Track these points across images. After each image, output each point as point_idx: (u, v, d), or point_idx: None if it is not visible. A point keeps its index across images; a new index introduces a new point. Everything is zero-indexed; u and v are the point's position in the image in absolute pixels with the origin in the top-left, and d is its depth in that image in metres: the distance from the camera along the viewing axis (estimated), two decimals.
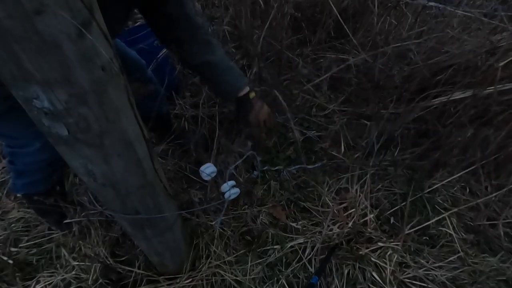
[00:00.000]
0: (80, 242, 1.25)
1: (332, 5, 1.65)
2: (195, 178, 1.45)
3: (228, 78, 1.17)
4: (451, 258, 1.32)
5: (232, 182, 1.19)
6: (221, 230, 1.30)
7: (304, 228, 1.35)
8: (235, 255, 1.26)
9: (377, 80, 1.70)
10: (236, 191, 1.17)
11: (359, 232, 1.33)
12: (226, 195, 1.17)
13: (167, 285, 1.16)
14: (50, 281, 1.18)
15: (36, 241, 1.33)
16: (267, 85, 1.76)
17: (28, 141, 0.99)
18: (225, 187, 1.17)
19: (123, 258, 1.24)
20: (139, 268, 1.20)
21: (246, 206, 1.38)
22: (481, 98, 1.45)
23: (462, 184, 1.59)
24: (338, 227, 1.34)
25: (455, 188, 1.56)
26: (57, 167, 1.18)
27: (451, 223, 1.42)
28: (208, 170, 1.17)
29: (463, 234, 1.41)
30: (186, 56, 1.13)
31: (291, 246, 1.29)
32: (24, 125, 0.90)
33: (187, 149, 1.51)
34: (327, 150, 1.60)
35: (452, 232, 1.39)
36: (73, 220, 1.19)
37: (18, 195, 1.45)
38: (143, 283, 1.18)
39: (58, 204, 1.12)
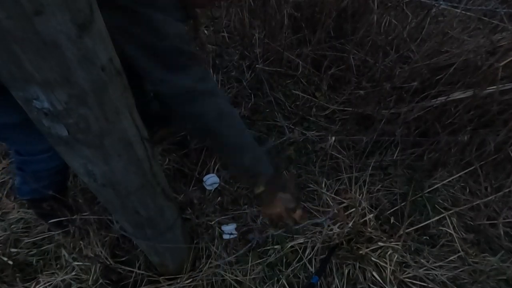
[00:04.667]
0: (81, 242, 1.25)
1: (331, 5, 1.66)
2: (194, 173, 1.45)
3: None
4: (451, 258, 1.32)
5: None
6: (220, 230, 1.30)
7: (304, 228, 1.35)
8: (235, 255, 1.26)
9: (377, 80, 1.70)
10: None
11: (359, 232, 1.33)
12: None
13: (168, 285, 1.16)
14: (50, 282, 1.18)
15: (36, 241, 1.32)
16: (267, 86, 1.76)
17: (40, 150, 1.00)
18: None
19: (123, 259, 1.24)
20: (139, 269, 1.20)
21: (246, 206, 1.38)
22: (481, 98, 1.45)
23: (462, 184, 1.59)
24: (338, 227, 1.33)
25: (455, 188, 1.56)
26: (65, 174, 1.18)
27: (451, 223, 1.42)
28: (210, 180, 1.21)
29: (463, 234, 1.41)
30: None
31: (291, 246, 1.29)
32: (38, 136, 0.89)
33: (187, 148, 1.51)
34: (327, 150, 1.59)
35: (452, 232, 1.39)
36: (73, 222, 1.19)
37: (20, 197, 1.45)
38: (143, 283, 1.18)
39: (60, 208, 1.12)
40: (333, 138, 1.54)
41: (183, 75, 0.79)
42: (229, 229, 1.23)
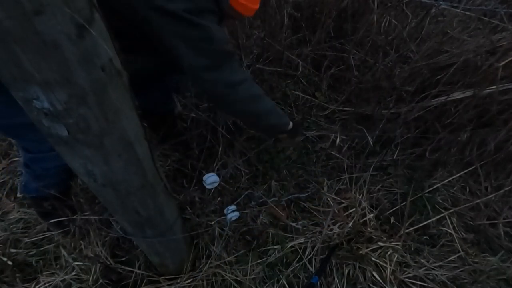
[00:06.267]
0: (81, 242, 1.25)
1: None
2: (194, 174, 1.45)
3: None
4: (451, 258, 1.32)
5: (233, 207, 1.29)
6: (220, 231, 1.30)
7: (304, 228, 1.35)
8: (235, 255, 1.26)
9: (377, 80, 1.70)
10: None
11: (359, 232, 1.33)
12: (228, 217, 1.26)
13: (168, 285, 1.16)
14: (50, 282, 1.18)
15: (36, 242, 1.32)
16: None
17: (51, 147, 1.00)
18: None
19: (123, 259, 1.24)
20: (139, 269, 1.20)
21: (246, 206, 1.38)
22: (481, 98, 1.45)
23: (462, 184, 1.59)
24: (338, 227, 1.33)
25: (455, 188, 1.56)
26: (72, 173, 1.19)
27: (451, 223, 1.42)
28: (210, 179, 1.21)
29: (463, 234, 1.41)
30: None
31: (291, 246, 1.29)
32: None
33: (187, 147, 1.51)
34: (327, 150, 1.59)
35: (452, 232, 1.39)
36: (73, 222, 1.19)
37: (19, 195, 1.45)
38: (143, 283, 1.18)
39: (62, 207, 1.12)
40: (337, 136, 1.54)
41: (227, 70, 0.97)
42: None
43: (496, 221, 1.46)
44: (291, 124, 1.19)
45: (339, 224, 1.35)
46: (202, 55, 0.93)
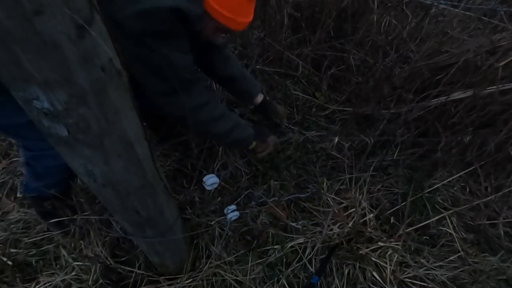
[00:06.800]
0: (81, 242, 1.25)
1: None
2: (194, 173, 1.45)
3: (246, 88, 1.36)
4: (451, 258, 1.32)
5: (233, 207, 1.30)
6: (220, 231, 1.30)
7: (304, 228, 1.35)
8: (235, 255, 1.26)
9: (377, 80, 1.70)
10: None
11: (359, 232, 1.33)
12: (228, 217, 1.27)
13: (168, 285, 1.16)
14: (50, 282, 1.18)
15: (36, 242, 1.32)
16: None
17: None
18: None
19: (123, 259, 1.24)
20: (139, 269, 1.20)
21: (246, 206, 1.38)
22: (481, 98, 1.45)
23: (462, 184, 1.59)
24: (338, 227, 1.33)
25: (455, 188, 1.56)
26: (72, 172, 1.19)
27: (451, 223, 1.42)
28: (210, 181, 1.21)
29: (463, 234, 1.41)
30: (210, 70, 1.28)
31: (291, 246, 1.29)
32: None
33: (187, 147, 1.51)
34: (327, 150, 1.59)
35: (452, 232, 1.39)
36: (74, 222, 1.19)
37: (19, 195, 1.45)
38: (143, 283, 1.18)
39: (62, 207, 1.12)
40: (336, 138, 1.54)
41: (186, 97, 0.97)
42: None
43: (496, 221, 1.46)
44: (254, 134, 1.22)
45: (339, 224, 1.35)
46: (160, 81, 0.91)
